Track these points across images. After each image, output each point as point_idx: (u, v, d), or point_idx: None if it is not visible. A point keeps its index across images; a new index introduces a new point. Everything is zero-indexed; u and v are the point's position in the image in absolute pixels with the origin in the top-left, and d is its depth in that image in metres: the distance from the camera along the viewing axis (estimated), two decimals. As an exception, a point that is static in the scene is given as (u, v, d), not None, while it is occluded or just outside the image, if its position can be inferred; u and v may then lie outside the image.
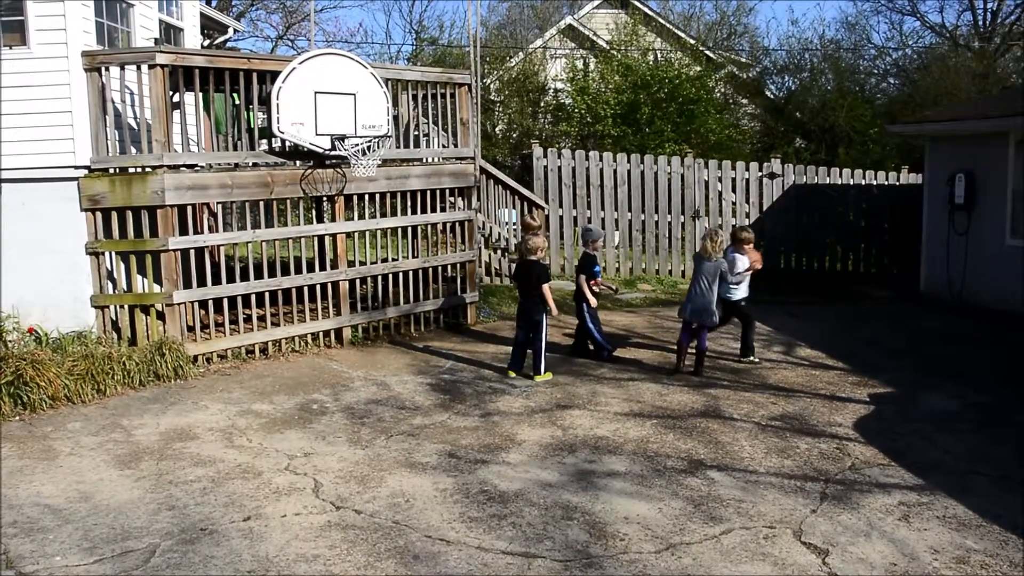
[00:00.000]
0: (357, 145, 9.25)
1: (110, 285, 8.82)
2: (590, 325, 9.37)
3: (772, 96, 23.62)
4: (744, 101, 23.63)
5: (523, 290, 8.83)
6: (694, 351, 8.78)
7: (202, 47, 12.93)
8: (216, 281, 9.09)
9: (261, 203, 9.65)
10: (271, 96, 8.72)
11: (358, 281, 10.28)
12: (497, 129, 22.41)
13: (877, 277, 15.26)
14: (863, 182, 15.51)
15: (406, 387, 8.34)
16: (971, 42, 25.41)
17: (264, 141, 9.47)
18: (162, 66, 8.33)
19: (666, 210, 15.03)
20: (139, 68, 8.44)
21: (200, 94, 9.77)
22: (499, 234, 13.64)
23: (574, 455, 6.44)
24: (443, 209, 11.07)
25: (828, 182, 15.36)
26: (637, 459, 6.36)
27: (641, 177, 14.95)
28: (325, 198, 9.86)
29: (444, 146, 11.51)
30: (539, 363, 8.59)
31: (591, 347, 9.49)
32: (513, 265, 13.55)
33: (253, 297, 9.32)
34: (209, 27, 14.26)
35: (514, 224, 13.69)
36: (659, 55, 21.23)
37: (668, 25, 24.37)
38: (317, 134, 8.99)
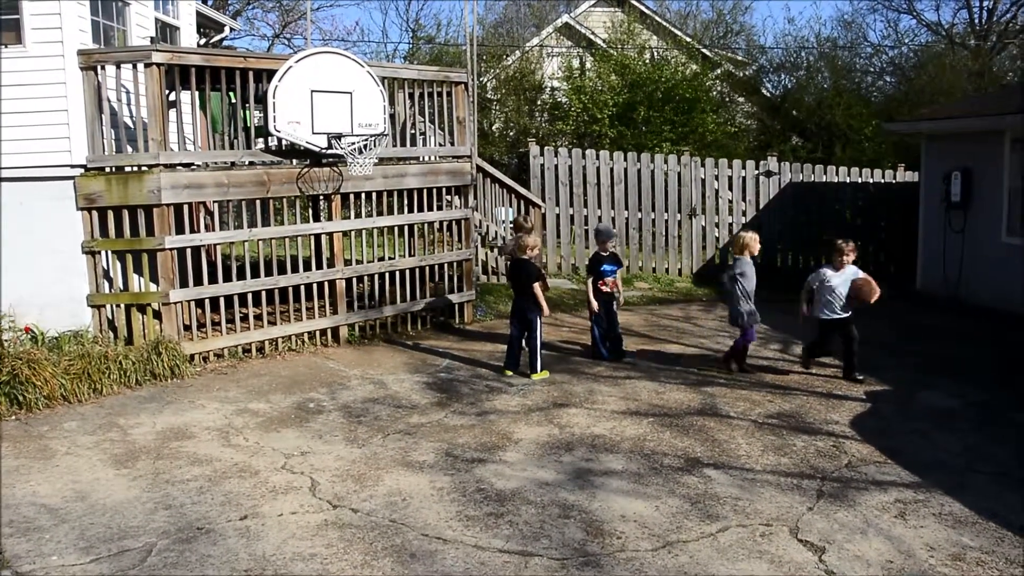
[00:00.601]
0: (354, 144, 9.24)
1: (106, 284, 8.81)
2: (592, 324, 9.37)
3: (769, 94, 23.65)
4: (741, 99, 23.65)
5: (517, 289, 8.85)
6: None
7: (198, 46, 12.91)
8: (212, 280, 9.08)
9: (257, 202, 9.64)
10: (267, 95, 8.71)
11: (355, 280, 10.28)
12: (494, 127, 22.41)
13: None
14: (859, 180, 15.52)
15: (403, 386, 8.34)
16: (967, 40, 25.44)
17: (260, 140, 9.46)
18: (158, 65, 8.32)
19: (663, 208, 15.03)
20: (135, 67, 8.43)
21: (196, 93, 9.74)
22: (496, 232, 13.64)
23: (571, 453, 6.44)
24: (440, 208, 11.07)
25: (825, 180, 15.37)
26: (634, 457, 6.36)
27: (638, 175, 14.95)
28: (322, 197, 9.85)
29: (441, 145, 11.50)
30: (535, 361, 8.59)
31: (592, 345, 9.49)
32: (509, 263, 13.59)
33: (250, 296, 9.32)
34: (205, 25, 14.24)
35: (511, 223, 13.68)
36: (656, 53, 21.24)
37: (664, 23, 24.40)
38: (313, 133, 8.98)
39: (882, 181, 15.59)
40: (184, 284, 8.81)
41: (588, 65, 21.93)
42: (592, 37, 23.31)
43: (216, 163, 9.09)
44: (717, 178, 15.20)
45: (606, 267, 9.27)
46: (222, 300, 9.15)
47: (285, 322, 9.60)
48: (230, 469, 6.12)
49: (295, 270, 9.63)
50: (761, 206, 15.23)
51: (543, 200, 14.32)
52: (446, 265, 11.09)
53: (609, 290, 9.27)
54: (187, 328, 8.95)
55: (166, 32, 11.02)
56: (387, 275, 10.48)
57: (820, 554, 4.87)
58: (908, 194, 14.78)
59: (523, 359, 8.76)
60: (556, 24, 24.53)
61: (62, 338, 8.36)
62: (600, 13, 24.65)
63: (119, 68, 8.65)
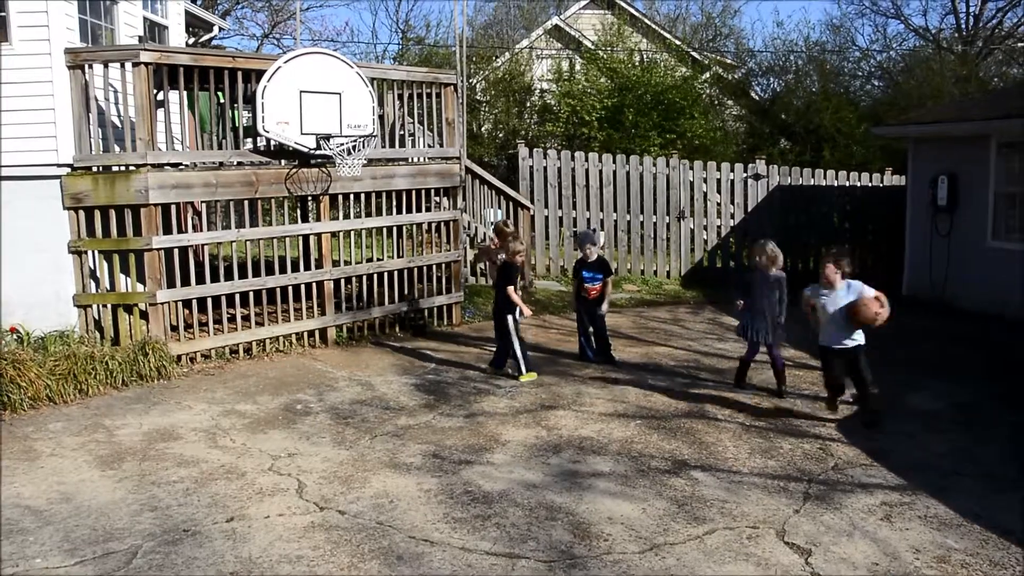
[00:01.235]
0: (342, 144, 9.23)
1: (93, 284, 8.76)
2: (579, 328, 9.38)
3: (757, 97, 23.73)
4: (729, 102, 23.71)
5: (495, 292, 8.91)
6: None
7: (187, 45, 12.86)
8: (200, 280, 9.04)
9: (246, 202, 9.61)
10: (256, 95, 8.69)
11: (343, 281, 10.25)
12: (483, 129, 22.40)
13: (861, 278, 15.26)
14: (847, 184, 15.59)
15: (391, 387, 8.32)
16: (954, 45, 25.61)
17: (249, 140, 9.44)
18: (146, 64, 8.28)
19: (651, 211, 15.06)
20: (123, 66, 8.39)
21: (185, 92, 9.72)
22: (484, 234, 13.62)
23: (559, 455, 6.44)
24: (428, 209, 11.06)
25: (812, 183, 15.43)
26: (621, 459, 6.37)
27: (626, 178, 14.97)
28: (310, 197, 9.83)
29: (430, 146, 11.49)
30: (517, 363, 8.56)
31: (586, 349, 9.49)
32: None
33: (237, 297, 9.29)
34: (194, 25, 14.19)
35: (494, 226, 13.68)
36: (645, 56, 21.27)
37: (654, 26, 24.43)
38: (302, 133, 8.96)
39: (870, 185, 15.67)
40: (171, 284, 8.77)
41: (577, 67, 21.95)
42: (582, 39, 23.34)
43: (204, 163, 9.05)
44: (706, 181, 15.25)
45: (585, 274, 9.22)
46: (209, 301, 9.11)
47: (273, 323, 9.57)
48: (217, 471, 6.10)
49: (283, 271, 9.60)
50: (749, 209, 15.28)
51: (532, 202, 14.33)
52: (434, 266, 11.08)
53: (591, 297, 9.21)
54: (174, 329, 8.91)
55: (154, 31, 10.98)
56: (375, 276, 10.46)
57: (806, 556, 4.88)
58: (895, 198, 14.86)
59: (510, 360, 8.75)
60: (546, 26, 24.54)
61: (48, 338, 8.31)
62: (590, 15, 24.67)
63: (107, 67, 8.61)
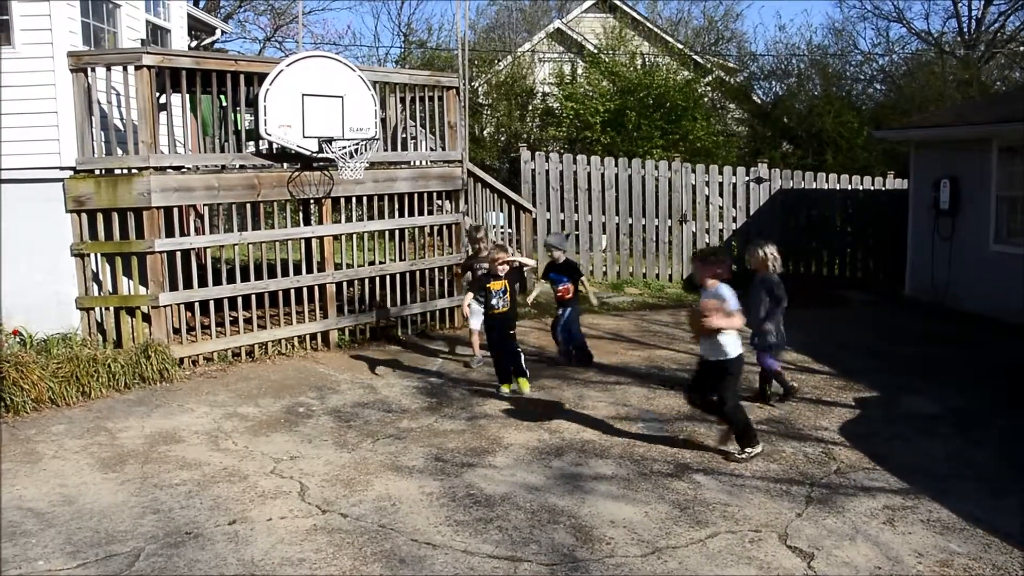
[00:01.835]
0: (344, 148, 9.24)
1: (95, 287, 8.77)
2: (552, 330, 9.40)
3: (759, 101, 23.73)
4: (732, 106, 23.73)
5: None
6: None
7: (189, 48, 12.88)
8: (202, 283, 9.05)
9: (248, 205, 9.62)
10: (258, 98, 8.70)
11: (345, 284, 10.26)
12: (485, 132, 22.41)
13: (863, 282, 15.34)
14: (849, 187, 15.59)
15: (392, 390, 8.32)
16: (956, 49, 25.60)
17: (251, 143, 9.45)
18: (148, 67, 8.30)
19: (653, 214, 15.06)
20: (125, 69, 8.41)
21: (187, 95, 9.75)
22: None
23: (560, 458, 6.44)
24: (430, 212, 11.07)
25: (814, 187, 15.43)
26: (624, 462, 6.36)
27: (629, 181, 14.98)
28: (312, 201, 9.83)
29: (432, 149, 11.50)
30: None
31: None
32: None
33: (239, 299, 9.29)
34: (196, 28, 14.22)
35: (502, 227, 13.68)
36: (647, 60, 21.28)
37: (656, 30, 24.45)
38: (304, 136, 8.97)
39: (871, 188, 15.66)
40: (174, 287, 8.78)
41: (579, 71, 21.97)
42: (584, 43, 23.36)
43: (206, 166, 9.06)
44: (708, 184, 15.25)
45: (553, 276, 9.20)
46: (212, 303, 9.12)
47: (275, 326, 9.57)
48: (219, 473, 6.10)
49: (285, 274, 9.60)
50: (751, 212, 15.28)
51: (534, 205, 14.33)
52: (436, 269, 11.08)
53: (563, 298, 9.12)
54: (176, 331, 8.92)
55: (157, 34, 11.00)
56: (377, 279, 10.47)
57: (809, 560, 4.88)
58: (897, 201, 14.87)
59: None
60: (548, 29, 24.56)
61: (50, 341, 8.32)
62: (592, 19, 24.70)
63: (109, 70, 8.62)
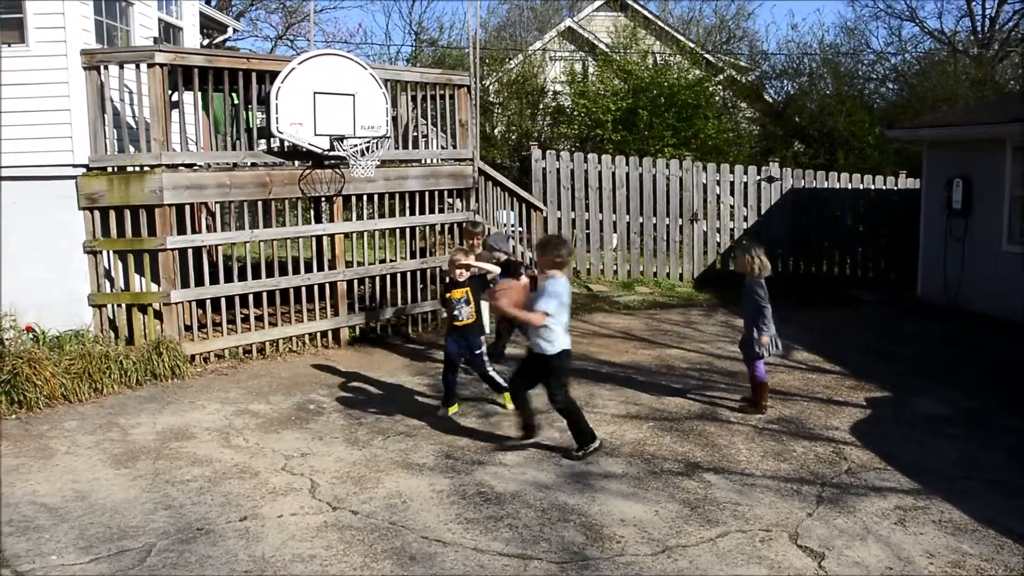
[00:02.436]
0: (356, 146, 9.25)
1: (108, 284, 8.81)
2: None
3: (771, 100, 23.66)
4: (743, 105, 23.66)
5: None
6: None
7: (201, 46, 12.93)
8: (214, 281, 9.08)
9: (259, 203, 9.65)
10: (270, 96, 8.72)
11: (356, 282, 10.28)
12: (496, 131, 22.41)
13: (874, 282, 15.28)
14: (861, 187, 15.53)
15: (403, 388, 8.33)
16: (969, 48, 25.49)
17: (263, 141, 9.47)
18: (161, 65, 8.33)
19: (664, 213, 15.03)
20: (138, 67, 8.44)
21: (199, 93, 9.77)
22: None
23: (571, 457, 6.43)
24: (441, 210, 11.08)
25: (826, 186, 15.37)
26: (634, 461, 6.36)
27: (639, 180, 14.95)
28: (323, 198, 9.86)
29: (443, 147, 11.51)
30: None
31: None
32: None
33: (251, 297, 9.32)
34: (208, 26, 14.27)
35: (512, 225, 13.68)
36: (658, 58, 21.24)
37: (667, 29, 24.42)
38: (316, 134, 8.99)
39: (883, 188, 15.60)
40: (185, 284, 8.81)
41: (591, 70, 21.94)
42: (595, 41, 23.33)
43: (218, 164, 9.09)
44: (719, 183, 15.22)
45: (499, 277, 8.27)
46: (223, 301, 9.15)
47: (286, 323, 9.60)
48: (230, 470, 6.12)
49: (296, 271, 9.63)
50: (762, 212, 15.23)
51: (545, 204, 14.32)
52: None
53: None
54: (188, 328, 8.96)
55: (169, 32, 11.03)
56: (388, 277, 10.48)
57: (820, 560, 4.86)
58: (909, 201, 14.80)
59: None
60: (559, 28, 24.54)
61: (63, 337, 8.36)
62: (603, 18, 24.67)
63: (122, 68, 8.65)
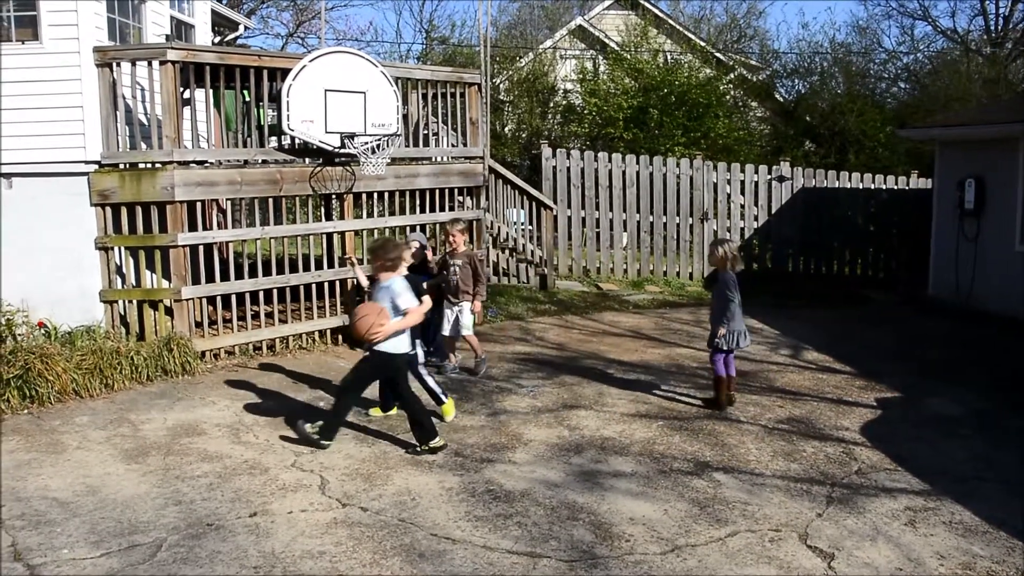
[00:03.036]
0: (366, 143, 9.26)
1: (119, 280, 8.85)
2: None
3: (782, 99, 23.60)
4: (754, 104, 23.60)
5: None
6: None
7: (213, 44, 12.96)
8: (224, 277, 9.11)
9: (270, 200, 9.66)
10: (281, 93, 8.74)
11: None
12: (506, 129, 22.42)
13: (885, 281, 15.23)
14: (872, 186, 15.48)
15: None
16: (982, 47, 25.34)
17: (273, 138, 9.49)
18: (173, 62, 8.35)
19: (674, 212, 15.01)
20: (150, 64, 8.46)
21: (211, 91, 9.79)
22: (507, 234, 13.64)
23: (580, 455, 6.44)
24: (451, 208, 11.08)
25: (837, 186, 15.33)
26: (643, 460, 6.35)
27: (650, 178, 14.94)
28: (334, 196, 9.87)
29: (453, 145, 11.51)
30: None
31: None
32: (520, 265, 13.58)
33: (261, 294, 9.34)
34: (220, 24, 14.30)
35: (523, 224, 13.69)
36: (669, 57, 21.21)
37: (678, 27, 24.38)
38: (327, 132, 9.00)
39: (895, 188, 15.54)
40: (196, 281, 8.84)
41: (602, 68, 21.93)
42: (606, 40, 23.31)
43: (229, 161, 9.12)
44: (729, 182, 15.19)
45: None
46: (234, 297, 9.18)
47: (296, 320, 9.62)
48: (240, 466, 6.14)
49: (307, 269, 9.65)
50: (773, 211, 15.21)
51: (555, 202, 14.32)
52: (457, 266, 11.08)
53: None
54: (199, 325, 8.98)
55: (181, 30, 11.07)
56: (398, 275, 10.47)
57: (829, 560, 4.85)
58: (921, 201, 14.74)
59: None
60: (570, 26, 24.53)
61: (75, 333, 8.40)
62: (614, 16, 24.65)
63: (134, 65, 8.68)
